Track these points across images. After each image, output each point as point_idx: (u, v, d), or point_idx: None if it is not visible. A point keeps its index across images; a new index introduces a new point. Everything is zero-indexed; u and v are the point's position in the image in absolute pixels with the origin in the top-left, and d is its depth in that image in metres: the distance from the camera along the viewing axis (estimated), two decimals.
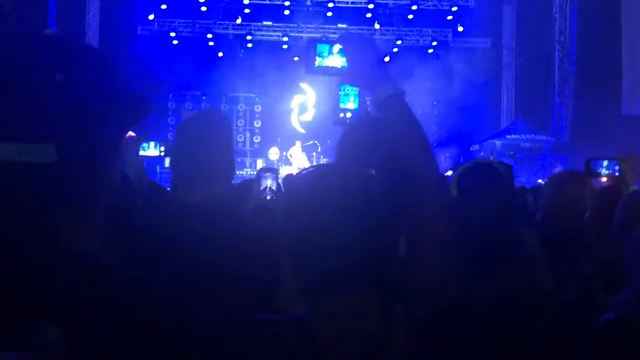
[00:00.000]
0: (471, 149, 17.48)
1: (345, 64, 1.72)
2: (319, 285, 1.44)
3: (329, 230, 1.42)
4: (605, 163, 3.30)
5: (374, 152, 1.69)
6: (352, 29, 19.64)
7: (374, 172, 1.65)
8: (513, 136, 16.74)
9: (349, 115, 1.89)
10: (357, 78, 1.71)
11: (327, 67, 1.73)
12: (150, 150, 3.37)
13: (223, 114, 2.33)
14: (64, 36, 1.05)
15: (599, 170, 3.31)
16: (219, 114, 2.24)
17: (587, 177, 3.38)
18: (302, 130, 20.76)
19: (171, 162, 2.13)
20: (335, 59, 1.74)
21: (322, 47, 1.75)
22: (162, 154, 3.43)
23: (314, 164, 17.36)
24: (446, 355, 1.46)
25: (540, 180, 7.30)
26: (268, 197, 3.35)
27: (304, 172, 1.65)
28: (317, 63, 1.75)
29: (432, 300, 1.47)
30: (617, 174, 3.29)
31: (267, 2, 18.79)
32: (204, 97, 20.33)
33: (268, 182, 3.40)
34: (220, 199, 2.05)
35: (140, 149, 3.32)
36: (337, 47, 1.74)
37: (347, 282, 1.42)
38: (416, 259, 1.50)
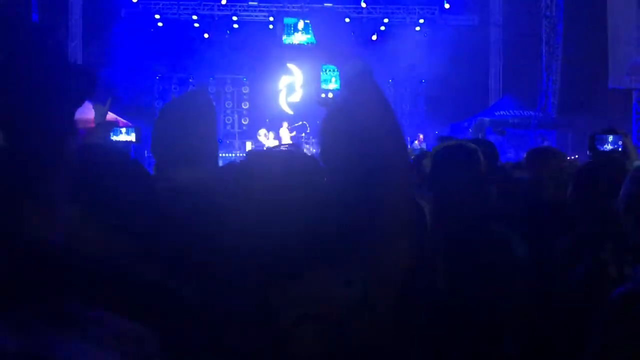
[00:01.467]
0: (469, 127, 17.41)
1: (312, 40, 1.67)
2: (269, 270, 1.35)
3: (270, 214, 1.35)
4: (610, 138, 3.26)
5: (348, 137, 1.59)
6: (338, 7, 19.45)
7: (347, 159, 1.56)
8: (501, 112, 16.69)
9: (330, 95, 1.85)
10: (325, 54, 1.62)
11: (293, 45, 1.72)
12: (122, 135, 3.27)
13: (206, 94, 2.26)
14: None
15: (604, 146, 3.27)
16: (202, 95, 2.17)
17: (563, 153, 3.43)
18: (290, 112, 20.65)
19: (152, 145, 2.03)
20: (299, 36, 1.72)
21: (289, 21, 1.74)
22: (134, 140, 3.33)
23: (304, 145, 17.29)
24: (411, 339, 1.40)
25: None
26: None
27: (265, 152, 1.57)
28: (284, 40, 1.74)
29: (398, 284, 1.40)
30: (620, 149, 3.26)
31: None
32: (191, 80, 20.15)
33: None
34: (205, 182, 1.95)
35: (112, 134, 3.24)
36: (301, 24, 1.72)
37: (293, 266, 1.34)
38: (383, 243, 1.42)
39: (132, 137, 3.30)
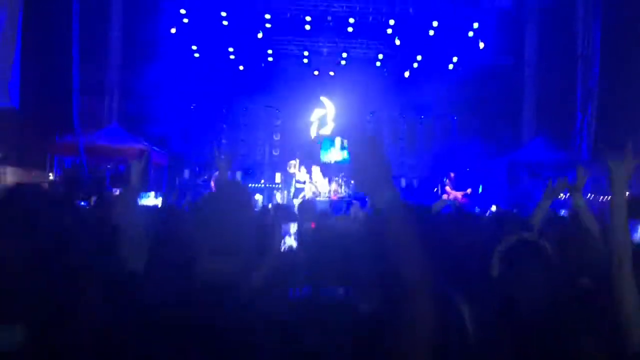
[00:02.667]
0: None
1: (347, 157, 1.67)
2: None
3: None
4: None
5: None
6: (361, 42, 19.60)
7: None
8: (534, 154, 16.41)
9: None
10: (357, 177, 1.68)
11: (329, 163, 1.77)
12: (150, 199, 3.21)
13: (243, 187, 2.36)
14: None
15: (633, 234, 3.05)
16: (239, 187, 2.29)
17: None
18: None
19: (190, 236, 2.14)
20: (336, 153, 1.75)
21: (326, 143, 1.76)
22: (160, 205, 3.28)
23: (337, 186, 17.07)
24: None
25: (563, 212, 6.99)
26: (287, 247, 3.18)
27: None
28: (321, 157, 1.79)
29: None
30: None
31: (288, 15, 18.71)
32: (224, 110, 20.34)
33: (287, 240, 3.22)
34: (240, 278, 2.05)
35: (139, 198, 3.18)
36: (338, 141, 1.74)
37: None
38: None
39: (158, 202, 3.24)
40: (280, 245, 3.31)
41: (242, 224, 2.11)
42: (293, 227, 3.33)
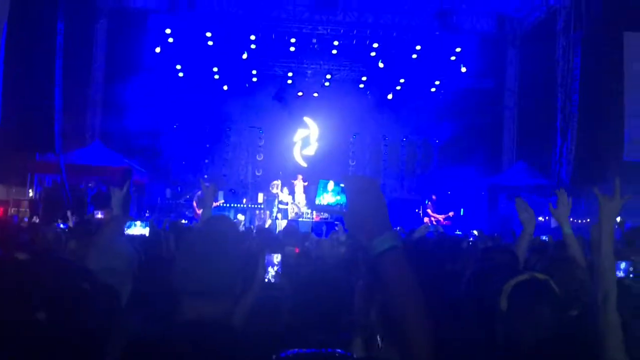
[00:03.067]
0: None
1: (342, 201, 1.68)
2: None
3: None
4: (622, 265, 3.06)
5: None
6: (345, 64, 19.76)
7: None
8: (514, 178, 16.56)
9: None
10: (355, 221, 1.63)
11: (324, 206, 1.79)
12: (136, 229, 3.18)
13: (231, 223, 2.28)
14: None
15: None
16: (226, 223, 2.19)
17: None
18: (305, 164, 20.66)
19: (175, 278, 2.01)
20: (329, 197, 1.77)
21: (322, 185, 1.78)
22: (148, 234, 3.23)
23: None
24: None
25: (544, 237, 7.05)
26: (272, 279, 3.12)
27: None
28: (317, 202, 1.86)
29: None
30: (632, 275, 3.06)
31: (273, 37, 18.79)
32: (207, 129, 20.27)
33: (271, 270, 3.17)
34: (223, 320, 1.99)
35: (126, 228, 3.14)
36: (331, 185, 1.77)
37: None
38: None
39: (145, 231, 3.20)
40: (263, 277, 3.27)
41: (228, 264, 2.03)
42: (277, 258, 3.30)
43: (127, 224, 3.19)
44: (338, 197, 1.77)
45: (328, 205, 1.80)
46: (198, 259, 2.00)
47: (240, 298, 2.78)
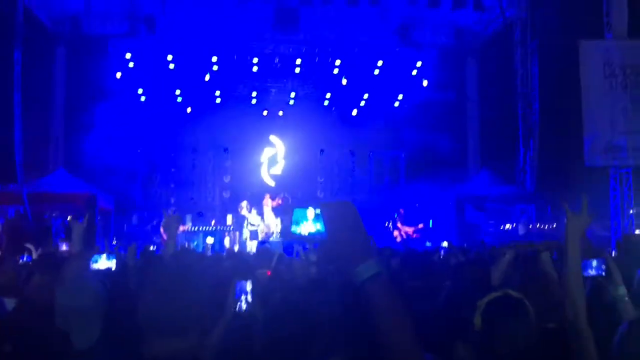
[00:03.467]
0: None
1: (322, 229, 1.59)
2: None
3: None
4: (594, 263, 3.10)
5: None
6: (309, 82, 19.87)
7: None
8: (480, 188, 16.77)
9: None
10: (336, 249, 1.57)
11: (303, 235, 1.71)
12: (102, 262, 3.09)
13: (195, 255, 2.22)
14: None
15: (587, 271, 3.10)
16: (193, 256, 2.15)
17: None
18: (273, 183, 20.59)
19: (140, 315, 1.94)
20: (309, 225, 1.69)
21: (299, 213, 1.71)
22: (114, 267, 3.14)
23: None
24: None
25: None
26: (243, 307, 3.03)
27: None
28: (292, 229, 1.72)
29: None
30: (604, 273, 3.10)
31: (235, 57, 18.77)
32: (172, 154, 20.09)
33: (242, 298, 3.08)
34: (193, 355, 1.93)
35: (92, 262, 3.06)
36: (311, 213, 1.69)
37: None
38: None
39: (112, 264, 3.12)
40: (234, 307, 3.18)
41: (195, 298, 1.98)
42: (249, 285, 3.21)
43: (93, 257, 3.11)
44: (318, 226, 1.70)
45: (309, 234, 1.73)
46: (164, 296, 1.95)
47: (210, 330, 2.71)
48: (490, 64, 19.10)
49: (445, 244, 10.49)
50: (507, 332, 2.41)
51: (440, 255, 7.75)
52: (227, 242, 17.47)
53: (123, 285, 3.23)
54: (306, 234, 1.72)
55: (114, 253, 3.33)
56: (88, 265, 3.08)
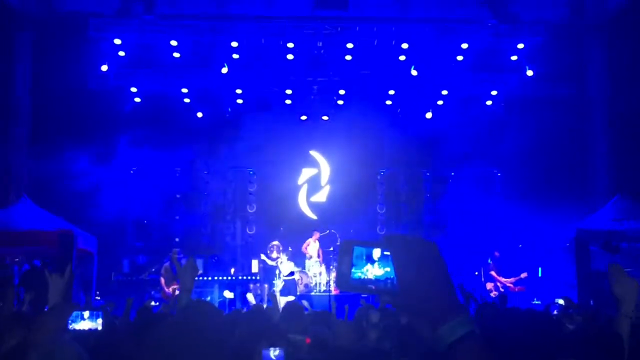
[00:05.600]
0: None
1: (392, 274, 1.63)
2: None
3: None
4: None
5: None
6: (364, 74, 19.83)
7: None
8: (611, 221, 16.45)
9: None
10: (410, 302, 1.60)
11: (366, 280, 1.68)
12: (85, 322, 3.15)
13: (216, 311, 2.27)
14: None
15: None
16: (211, 312, 2.19)
17: None
18: (314, 216, 20.64)
19: None
20: (375, 269, 1.68)
21: (358, 251, 1.70)
22: (100, 328, 3.21)
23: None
24: None
25: None
26: None
27: None
28: (353, 274, 1.70)
29: None
30: None
31: (263, 41, 18.97)
32: (177, 174, 20.30)
33: None
34: None
35: (71, 321, 3.12)
36: (377, 253, 1.67)
37: None
38: None
39: (97, 324, 3.19)
40: None
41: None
42: (273, 352, 3.27)
43: (72, 315, 3.18)
44: (388, 269, 1.70)
45: (375, 279, 1.71)
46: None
47: None
48: (623, 46, 18.81)
49: (561, 301, 10.33)
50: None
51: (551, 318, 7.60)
52: (250, 297, 17.54)
53: (113, 351, 3.30)
54: (374, 279, 1.71)
55: (99, 310, 3.41)
56: (66, 325, 3.15)
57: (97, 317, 3.26)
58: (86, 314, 3.27)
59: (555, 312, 8.03)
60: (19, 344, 3.06)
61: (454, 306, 1.55)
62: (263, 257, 18.02)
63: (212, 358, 2.12)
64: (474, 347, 1.51)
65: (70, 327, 3.21)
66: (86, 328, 3.24)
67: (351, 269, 1.70)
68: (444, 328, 1.52)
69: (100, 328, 3.23)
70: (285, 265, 17.59)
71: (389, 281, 1.64)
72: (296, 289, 17.23)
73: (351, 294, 15.64)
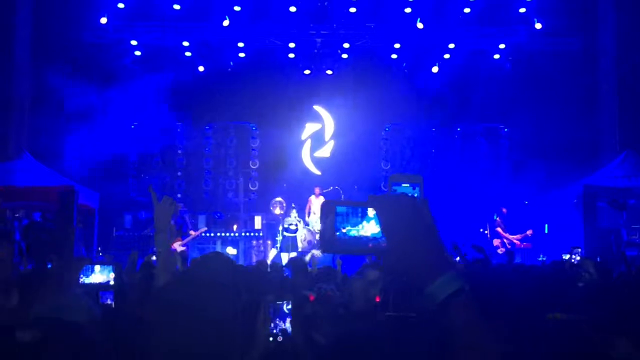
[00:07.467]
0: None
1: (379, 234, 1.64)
2: None
3: None
4: None
5: None
6: (369, 27, 19.71)
7: None
8: (618, 177, 16.46)
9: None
10: (398, 261, 1.63)
11: (362, 238, 1.69)
12: (96, 275, 3.19)
13: (227, 261, 2.22)
14: None
15: None
16: (222, 264, 2.15)
17: None
18: (318, 172, 20.64)
19: (146, 346, 1.99)
20: (372, 226, 1.67)
21: (355, 214, 1.70)
22: (113, 282, 3.23)
23: None
24: None
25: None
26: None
27: None
28: (349, 232, 1.70)
29: None
30: None
31: None
32: (179, 130, 20.30)
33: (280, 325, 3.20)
34: None
35: (82, 275, 3.16)
36: (372, 210, 1.68)
37: None
38: None
39: (110, 277, 3.23)
40: (267, 334, 3.25)
41: (220, 324, 2.02)
42: (285, 306, 3.31)
43: (83, 269, 3.22)
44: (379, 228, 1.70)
45: (372, 236, 1.71)
46: (177, 322, 1.98)
47: None
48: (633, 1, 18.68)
49: (577, 256, 10.32)
50: None
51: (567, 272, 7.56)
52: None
53: (125, 304, 3.32)
54: (370, 237, 1.69)
55: (109, 264, 3.42)
56: (78, 279, 3.17)
57: (110, 271, 3.28)
58: (97, 267, 3.30)
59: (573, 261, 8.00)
60: (30, 298, 3.10)
61: (441, 262, 1.58)
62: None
63: (224, 315, 2.11)
64: (466, 303, 1.55)
65: (81, 280, 3.23)
66: (98, 281, 3.27)
67: (335, 231, 1.70)
68: (433, 286, 1.56)
69: (112, 282, 3.26)
70: (290, 219, 17.59)
71: (383, 240, 1.67)
72: (298, 245, 17.28)
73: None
